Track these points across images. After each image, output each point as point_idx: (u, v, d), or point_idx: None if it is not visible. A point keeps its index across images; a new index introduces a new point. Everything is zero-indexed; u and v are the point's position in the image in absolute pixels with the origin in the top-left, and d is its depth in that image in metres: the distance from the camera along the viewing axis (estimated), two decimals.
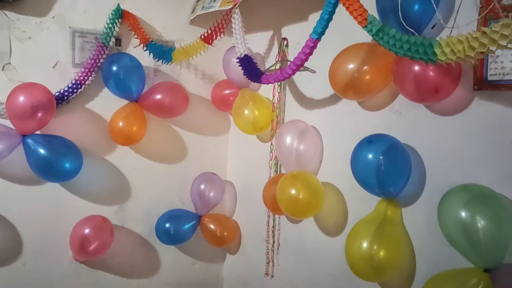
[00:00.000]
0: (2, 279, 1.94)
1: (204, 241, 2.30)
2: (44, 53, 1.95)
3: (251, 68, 1.73)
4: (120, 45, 2.12)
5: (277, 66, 1.96)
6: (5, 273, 1.95)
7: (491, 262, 1.11)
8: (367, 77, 1.43)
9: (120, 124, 2.01)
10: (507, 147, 1.16)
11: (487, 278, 1.10)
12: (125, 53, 2.10)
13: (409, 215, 1.42)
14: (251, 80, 1.76)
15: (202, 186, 2.23)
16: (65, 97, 1.97)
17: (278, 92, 2.02)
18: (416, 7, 1.22)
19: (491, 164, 1.19)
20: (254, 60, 1.75)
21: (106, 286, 2.17)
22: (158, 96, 2.10)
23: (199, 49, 1.89)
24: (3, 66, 1.88)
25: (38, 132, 1.88)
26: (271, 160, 2.05)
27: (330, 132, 1.76)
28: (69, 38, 2.00)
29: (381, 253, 1.33)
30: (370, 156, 1.37)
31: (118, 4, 2.05)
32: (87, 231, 1.95)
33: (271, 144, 2.03)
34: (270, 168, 2.06)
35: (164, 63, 2.03)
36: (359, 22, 1.15)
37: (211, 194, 2.23)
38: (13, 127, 1.81)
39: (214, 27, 1.83)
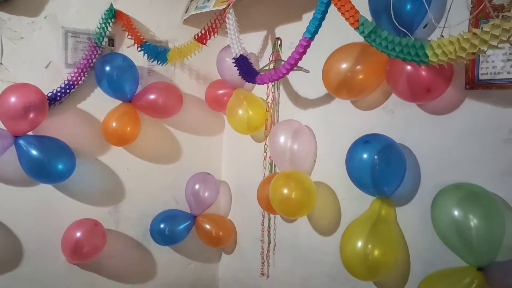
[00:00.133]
0: None
1: (199, 241, 2.29)
2: (36, 54, 1.94)
3: (246, 69, 1.73)
4: (113, 45, 2.11)
5: (271, 66, 1.97)
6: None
7: (484, 261, 1.11)
8: (360, 76, 1.44)
9: (114, 124, 1.99)
10: (499, 146, 1.17)
11: (481, 276, 1.11)
12: (118, 53, 2.09)
13: (403, 214, 1.43)
14: (246, 81, 1.76)
15: (197, 186, 2.22)
16: (58, 98, 1.95)
17: (272, 92, 2.02)
18: (408, 7, 1.22)
19: (484, 162, 1.20)
20: (249, 60, 1.75)
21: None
22: (152, 96, 2.09)
23: (194, 49, 1.89)
24: None
25: (30, 133, 1.87)
26: (265, 160, 2.05)
27: (324, 132, 1.76)
28: (61, 38, 1.99)
29: (376, 252, 1.34)
30: (365, 156, 1.38)
31: (111, 4, 2.03)
32: (78, 234, 1.93)
33: (265, 144, 2.04)
34: (265, 167, 2.06)
35: (159, 64, 2.03)
36: (351, 24, 1.15)
37: (206, 194, 2.23)
38: (4, 128, 1.80)
39: (208, 27, 1.82)
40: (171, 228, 2.17)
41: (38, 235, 1.99)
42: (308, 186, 1.67)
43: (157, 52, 2.01)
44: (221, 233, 2.24)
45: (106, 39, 2.04)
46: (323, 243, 1.75)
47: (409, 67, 1.23)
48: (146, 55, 2.04)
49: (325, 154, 1.76)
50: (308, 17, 1.80)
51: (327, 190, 1.71)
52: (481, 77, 1.18)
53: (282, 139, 1.75)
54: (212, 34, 1.84)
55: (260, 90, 2.07)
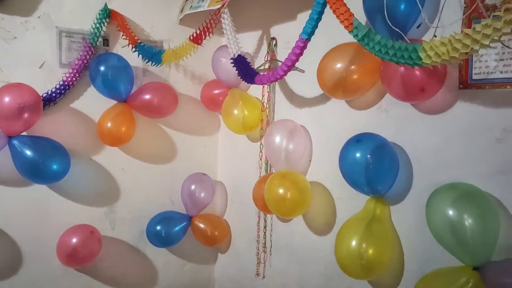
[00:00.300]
0: None
1: (195, 242, 2.29)
2: (30, 53, 1.92)
3: (245, 69, 1.73)
4: (107, 45, 2.10)
5: (266, 66, 1.97)
6: None
7: (479, 260, 1.12)
8: (355, 76, 1.44)
9: (109, 124, 1.99)
10: (492, 145, 1.17)
11: (477, 275, 1.11)
12: (113, 53, 2.08)
13: (398, 213, 1.43)
14: (245, 81, 1.76)
15: (193, 187, 2.22)
16: (53, 99, 1.94)
17: (268, 92, 2.03)
18: (402, 7, 1.23)
19: (477, 161, 1.21)
20: (247, 60, 1.75)
21: None
22: (147, 96, 2.08)
23: (189, 50, 1.88)
24: None
25: (24, 133, 1.85)
26: (261, 159, 2.05)
27: (319, 131, 1.77)
28: (55, 38, 1.98)
29: (370, 251, 1.34)
30: (358, 155, 1.38)
31: (106, 4, 2.03)
32: (73, 241, 1.91)
33: (261, 143, 2.04)
34: (260, 167, 2.06)
35: (154, 65, 2.02)
36: (346, 27, 1.16)
37: (202, 194, 2.22)
38: None
39: (203, 27, 1.82)
40: (167, 230, 2.16)
41: (33, 236, 1.98)
42: (302, 185, 1.68)
43: (152, 53, 2.00)
44: (216, 233, 2.24)
45: (100, 39, 2.03)
46: (319, 242, 1.75)
47: (402, 67, 1.23)
48: (140, 56, 2.04)
49: (320, 153, 1.76)
50: (303, 16, 1.81)
51: (323, 190, 1.72)
52: (474, 77, 1.19)
53: (277, 139, 1.75)
54: (207, 34, 1.83)
55: (255, 90, 2.07)
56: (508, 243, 1.13)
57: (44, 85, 1.93)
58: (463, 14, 1.18)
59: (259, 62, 2.05)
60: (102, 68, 1.97)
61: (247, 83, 1.77)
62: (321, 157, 1.76)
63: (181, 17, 2.18)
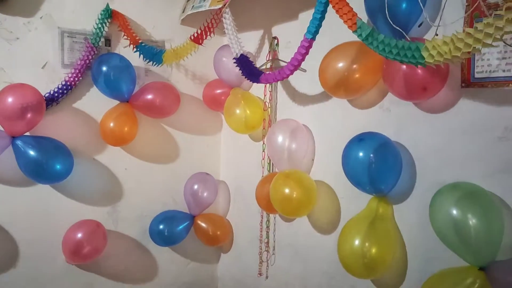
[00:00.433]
0: None
1: (198, 241, 2.29)
2: (32, 54, 1.93)
3: (249, 68, 1.73)
4: (110, 45, 2.10)
5: (268, 65, 1.97)
6: None
7: (484, 260, 1.12)
8: (357, 75, 1.44)
9: (111, 124, 1.99)
10: (494, 144, 1.17)
11: (483, 276, 1.11)
12: (115, 53, 2.08)
13: (401, 212, 1.43)
14: (250, 80, 1.76)
15: (196, 187, 2.22)
16: (55, 99, 1.95)
17: (270, 91, 2.03)
18: (403, 6, 1.23)
19: (479, 160, 1.21)
20: (250, 59, 1.75)
21: None
22: (149, 96, 2.09)
23: (190, 50, 1.88)
24: None
25: (27, 133, 1.86)
26: (263, 159, 2.06)
27: (322, 131, 1.77)
28: (57, 39, 1.98)
29: (373, 250, 1.34)
30: (361, 154, 1.38)
31: (107, 4, 2.03)
32: (79, 236, 1.93)
33: (263, 143, 2.04)
34: (263, 167, 2.06)
35: (155, 65, 2.02)
36: (349, 27, 1.17)
37: (205, 194, 2.23)
38: (2, 129, 1.79)
39: (204, 26, 1.82)
40: (170, 229, 2.17)
41: (36, 235, 1.99)
42: (309, 185, 1.68)
43: (153, 53, 2.01)
44: (219, 232, 2.24)
45: (102, 39, 2.04)
46: (322, 241, 1.75)
47: (405, 66, 1.23)
48: (141, 56, 2.04)
49: (323, 153, 1.77)
50: (304, 16, 1.81)
51: (326, 189, 1.72)
52: (476, 75, 1.18)
53: (280, 138, 1.75)
54: (208, 34, 1.84)
55: (257, 89, 2.08)
56: None
57: (47, 86, 1.94)
58: (465, 12, 1.17)
59: (260, 61, 2.05)
60: (104, 68, 1.97)
61: (252, 82, 1.77)
62: (323, 156, 1.76)
63: (183, 17, 2.18)
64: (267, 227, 2.07)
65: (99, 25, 2.00)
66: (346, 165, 1.46)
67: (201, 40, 1.85)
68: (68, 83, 1.97)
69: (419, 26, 1.29)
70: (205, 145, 2.41)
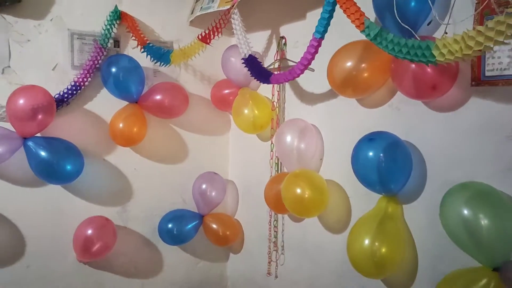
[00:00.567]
0: (6, 280, 1.96)
1: (207, 240, 2.30)
2: (43, 56, 1.96)
3: (257, 69, 1.73)
4: (118, 47, 2.12)
5: (276, 65, 1.97)
6: (9, 274, 1.96)
7: (497, 260, 1.10)
8: (365, 74, 1.44)
9: (121, 125, 2.01)
10: (505, 142, 1.16)
11: (497, 277, 1.09)
12: (123, 55, 2.10)
13: (410, 211, 1.42)
14: (259, 81, 1.76)
15: (204, 186, 2.24)
16: (65, 99, 1.97)
17: (278, 91, 2.03)
18: (412, 4, 1.22)
19: (490, 160, 1.19)
20: (258, 60, 1.75)
21: (110, 287, 2.18)
22: (158, 97, 2.10)
23: (197, 50, 1.89)
24: (3, 70, 1.89)
25: (38, 134, 1.89)
26: (271, 159, 2.06)
27: (330, 130, 1.76)
28: (67, 40, 2.01)
29: (383, 250, 1.34)
30: (370, 153, 1.38)
31: (116, 6, 2.05)
32: (89, 232, 1.97)
33: (272, 143, 2.04)
34: (271, 167, 2.06)
35: (163, 65, 2.04)
36: (357, 26, 1.16)
37: (213, 193, 2.24)
38: (14, 130, 1.82)
39: (212, 26, 1.83)
40: (179, 227, 2.19)
41: (48, 235, 2.02)
42: (321, 185, 1.67)
43: (160, 53, 2.02)
44: (228, 233, 2.25)
45: (111, 41, 2.06)
46: (331, 241, 1.75)
47: (414, 65, 1.23)
48: (149, 56, 2.05)
49: (331, 152, 1.76)
50: (312, 15, 1.81)
51: (335, 188, 1.71)
52: (487, 74, 1.17)
53: (288, 138, 1.75)
54: (216, 34, 1.84)
55: (265, 89, 2.08)
56: None
57: (57, 87, 1.96)
58: (475, 10, 1.16)
59: (268, 61, 2.05)
60: (113, 70, 1.99)
61: (262, 83, 1.77)
62: (332, 155, 1.76)
63: (191, 19, 2.19)
64: (275, 226, 2.07)
65: (108, 27, 2.01)
66: (355, 164, 1.45)
67: (209, 40, 1.86)
68: (77, 84, 1.99)
69: (428, 24, 1.28)
70: (214, 145, 2.42)
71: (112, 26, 2.03)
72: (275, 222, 2.07)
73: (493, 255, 1.11)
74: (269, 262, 2.09)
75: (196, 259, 2.41)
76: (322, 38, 1.36)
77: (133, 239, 2.24)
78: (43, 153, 1.83)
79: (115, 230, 2.08)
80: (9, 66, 1.90)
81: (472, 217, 1.11)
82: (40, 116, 1.78)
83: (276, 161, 2.05)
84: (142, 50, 2.04)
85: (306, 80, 1.87)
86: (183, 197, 2.34)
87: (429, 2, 1.16)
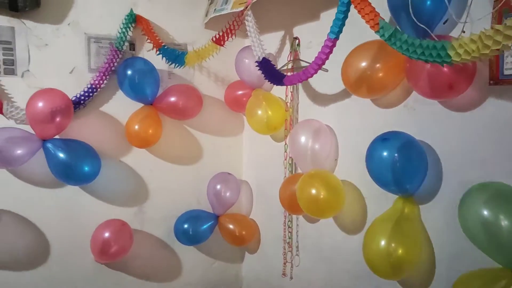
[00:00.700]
0: (28, 281, 2.00)
1: (223, 240, 2.32)
2: (61, 59, 2.00)
3: (271, 71, 1.74)
4: (134, 49, 2.15)
5: (289, 66, 1.97)
6: (32, 275, 2.01)
7: None
8: (380, 74, 1.43)
9: (136, 127, 2.04)
10: None
11: None
12: (139, 57, 2.13)
13: (427, 212, 1.41)
14: (273, 83, 1.77)
15: (218, 187, 2.25)
16: (82, 101, 2.01)
17: (291, 92, 2.03)
18: (428, 2, 1.20)
19: (508, 159, 1.18)
20: (272, 62, 1.76)
21: (127, 287, 2.21)
22: (173, 99, 2.12)
23: (211, 52, 1.91)
24: (22, 73, 1.94)
25: (57, 136, 1.92)
26: (285, 159, 2.06)
27: (345, 131, 1.76)
28: (84, 44, 2.04)
29: (399, 251, 1.32)
30: (385, 153, 1.37)
31: (131, 9, 2.08)
32: (106, 235, 1.99)
33: (285, 143, 2.04)
34: (285, 167, 2.06)
35: (177, 67, 2.06)
36: (371, 27, 1.16)
37: (227, 194, 2.25)
38: (33, 132, 1.86)
39: (226, 28, 1.84)
40: (194, 228, 2.20)
41: (67, 235, 2.06)
42: (336, 186, 1.67)
43: (175, 55, 2.04)
44: (244, 233, 2.25)
45: (127, 44, 2.09)
46: (347, 242, 1.74)
47: (429, 65, 1.21)
48: (164, 58, 2.08)
49: (346, 153, 1.75)
50: (326, 16, 1.81)
51: (350, 189, 1.71)
52: (505, 72, 1.15)
53: (303, 138, 1.75)
54: (230, 35, 1.85)
55: (279, 90, 2.08)
56: None
57: (74, 90, 2.00)
58: (493, 8, 1.14)
59: (281, 62, 2.06)
60: (129, 72, 2.02)
61: (275, 85, 1.77)
62: (347, 156, 1.75)
63: (206, 21, 2.21)
64: (290, 227, 2.07)
65: (123, 30, 2.04)
66: (370, 164, 1.45)
67: (223, 42, 1.87)
68: (94, 86, 2.02)
69: (444, 23, 1.26)
70: (227, 146, 2.44)
71: (128, 30, 2.06)
72: (290, 223, 2.07)
73: None
74: (284, 263, 2.09)
75: (211, 259, 2.42)
76: (337, 38, 1.36)
77: (150, 240, 2.26)
78: (61, 155, 1.86)
79: (132, 233, 2.10)
80: (28, 70, 1.94)
81: (492, 217, 1.09)
82: (58, 119, 1.82)
83: (290, 162, 2.05)
84: (158, 52, 2.07)
85: (319, 81, 1.86)
86: (198, 198, 2.36)
87: (445, 0, 1.15)
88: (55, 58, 1.98)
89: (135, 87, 2.05)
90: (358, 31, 1.43)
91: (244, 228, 2.27)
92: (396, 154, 1.34)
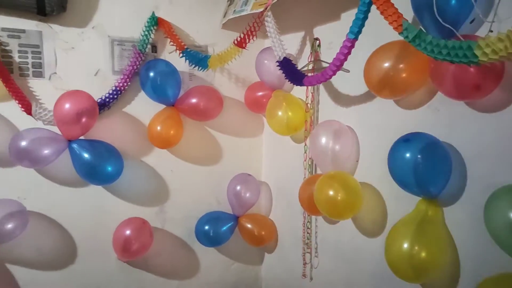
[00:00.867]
0: (55, 279, 2.06)
1: (242, 241, 2.33)
2: (86, 62, 2.05)
3: (291, 71, 1.74)
4: (156, 52, 2.19)
5: (310, 67, 1.97)
6: (59, 274, 2.06)
7: None
8: (403, 75, 1.41)
9: (158, 128, 2.07)
10: None
11: None
12: (161, 59, 2.16)
13: (451, 214, 1.38)
14: (293, 84, 1.77)
15: (238, 187, 2.26)
16: (107, 103, 2.06)
17: (312, 93, 2.02)
18: (453, 1, 1.18)
19: None
20: (293, 62, 1.76)
21: (148, 285, 2.25)
22: (194, 100, 2.15)
23: (234, 55, 1.92)
24: (50, 76, 1.99)
25: (82, 137, 1.97)
26: (305, 161, 2.05)
27: (366, 132, 1.74)
28: (108, 47, 2.09)
29: (423, 254, 1.30)
30: (407, 155, 1.35)
31: (153, 12, 2.11)
32: (127, 232, 2.03)
33: (305, 144, 2.04)
34: (305, 168, 2.06)
35: (200, 69, 2.08)
36: (395, 28, 1.14)
37: (247, 194, 2.26)
38: (60, 133, 1.91)
39: (247, 30, 1.85)
40: (215, 229, 2.22)
41: (91, 233, 2.11)
42: (354, 187, 1.66)
43: (198, 58, 2.06)
44: (263, 232, 2.26)
45: (149, 46, 2.12)
46: (367, 244, 1.72)
47: (454, 65, 1.19)
48: (187, 61, 2.10)
49: (367, 154, 1.74)
50: (347, 16, 1.80)
51: (371, 191, 1.69)
52: None
53: (323, 140, 1.74)
54: (251, 37, 1.86)
55: (299, 91, 2.08)
56: None
57: (99, 92, 2.04)
58: None
59: (302, 63, 2.05)
60: (151, 74, 2.05)
61: (295, 85, 1.77)
62: (368, 157, 1.73)
63: (224, 22, 2.23)
64: (308, 228, 2.06)
65: (146, 33, 2.08)
66: (392, 166, 1.43)
67: (244, 44, 1.88)
68: (118, 88, 2.06)
69: (470, 22, 1.24)
70: (247, 147, 2.45)
71: (150, 32, 2.09)
72: (309, 223, 2.07)
73: None
74: (304, 264, 2.09)
75: (231, 260, 2.44)
76: (356, 39, 1.35)
77: (170, 240, 2.29)
78: (86, 155, 1.91)
79: (152, 231, 2.14)
80: (55, 73, 2.00)
81: None
82: (84, 120, 1.86)
83: (310, 163, 2.04)
84: (181, 55, 2.10)
85: (340, 81, 1.85)
86: (218, 198, 2.37)
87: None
88: (80, 60, 2.04)
89: (157, 88, 2.08)
90: (380, 31, 1.41)
91: (263, 228, 2.27)
92: (419, 155, 1.32)
